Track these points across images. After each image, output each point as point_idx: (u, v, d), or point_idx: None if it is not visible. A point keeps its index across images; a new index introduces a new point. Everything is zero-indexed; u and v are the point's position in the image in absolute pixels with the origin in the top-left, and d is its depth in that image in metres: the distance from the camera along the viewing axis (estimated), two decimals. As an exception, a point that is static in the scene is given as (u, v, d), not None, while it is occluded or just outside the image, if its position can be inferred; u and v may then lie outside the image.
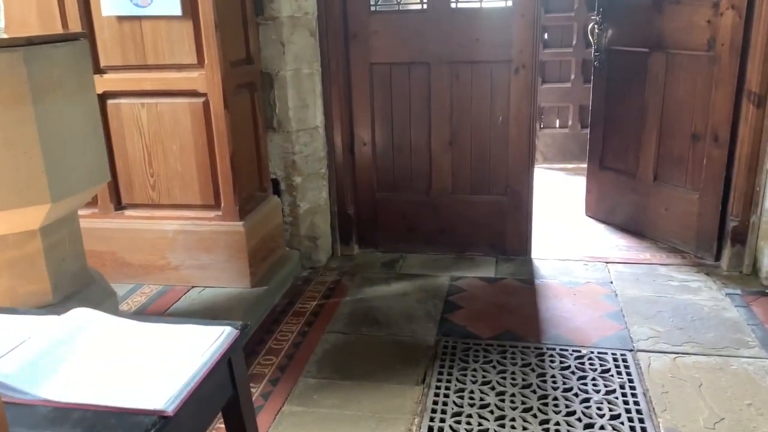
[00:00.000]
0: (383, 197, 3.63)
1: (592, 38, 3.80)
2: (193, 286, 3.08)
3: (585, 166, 5.00)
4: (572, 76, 5.13)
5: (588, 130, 5.00)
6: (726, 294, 3.00)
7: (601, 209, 4.01)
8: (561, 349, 2.57)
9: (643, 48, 3.52)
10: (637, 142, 3.66)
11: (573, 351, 2.56)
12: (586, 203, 4.12)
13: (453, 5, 3.28)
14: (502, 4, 3.25)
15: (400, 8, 3.37)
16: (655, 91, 3.50)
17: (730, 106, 3.15)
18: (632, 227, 3.79)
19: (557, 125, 5.35)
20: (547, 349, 2.58)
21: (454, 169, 3.51)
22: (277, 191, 3.40)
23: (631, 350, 2.55)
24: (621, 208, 3.85)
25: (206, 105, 2.88)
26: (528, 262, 3.47)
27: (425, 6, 3.32)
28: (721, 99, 3.18)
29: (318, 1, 3.24)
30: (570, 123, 5.25)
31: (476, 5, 3.28)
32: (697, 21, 3.22)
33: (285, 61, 3.18)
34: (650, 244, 3.64)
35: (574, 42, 5.06)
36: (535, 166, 3.48)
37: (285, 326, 2.84)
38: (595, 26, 3.75)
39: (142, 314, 2.83)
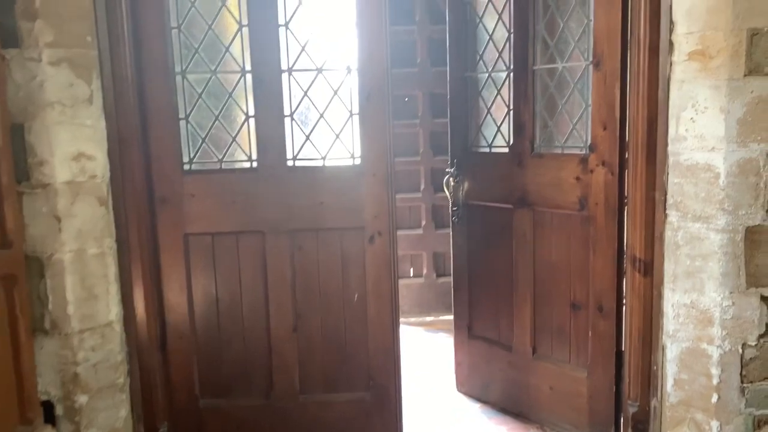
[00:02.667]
0: (209, 405, 2.76)
1: (448, 191, 3.36)
2: None
3: (445, 318, 4.57)
4: (423, 222, 4.72)
5: (445, 279, 4.66)
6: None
7: (474, 385, 3.42)
8: None
9: (506, 204, 3.12)
10: (510, 308, 3.18)
11: None
12: (456, 377, 3.52)
13: (290, 163, 2.67)
14: (348, 162, 2.69)
15: (223, 167, 2.68)
16: (525, 252, 3.08)
17: (612, 273, 2.77)
18: (513, 408, 3.22)
19: (411, 274, 4.85)
20: None
21: (301, 362, 2.76)
22: (50, 419, 2.39)
23: None
24: (498, 385, 3.29)
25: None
26: (401, 477, 2.73)
27: (255, 164, 2.67)
28: (600, 264, 2.80)
29: (111, 159, 2.45)
30: (425, 272, 4.78)
31: (318, 163, 2.70)
32: (565, 177, 2.87)
33: (62, 241, 2.31)
34: (536, 429, 3.08)
35: (422, 187, 4.69)
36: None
37: None
38: (450, 179, 3.33)
39: None
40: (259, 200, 2.65)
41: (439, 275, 4.76)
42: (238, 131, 2.67)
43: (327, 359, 2.76)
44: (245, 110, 2.65)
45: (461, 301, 3.42)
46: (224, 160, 2.69)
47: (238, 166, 2.70)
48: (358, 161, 2.67)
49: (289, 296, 2.71)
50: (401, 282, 4.72)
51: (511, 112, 3.05)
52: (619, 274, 2.77)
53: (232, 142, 2.67)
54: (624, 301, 2.76)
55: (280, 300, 2.71)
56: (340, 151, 2.68)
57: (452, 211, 3.35)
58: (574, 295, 2.93)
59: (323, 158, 2.68)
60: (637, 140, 2.53)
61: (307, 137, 2.66)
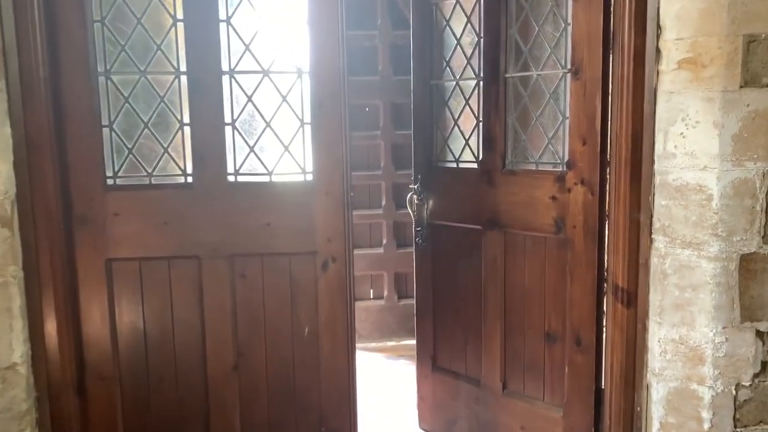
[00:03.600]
0: (135, 456, 2.38)
1: (411, 209, 3.07)
2: None
3: (407, 343, 4.28)
4: (384, 241, 4.41)
5: (408, 301, 4.38)
6: None
7: (438, 421, 3.12)
8: None
9: (475, 225, 2.84)
10: (478, 339, 2.89)
11: None
12: (419, 412, 3.21)
13: (231, 178, 2.33)
14: (299, 178, 2.37)
15: (153, 182, 2.33)
16: (495, 277, 2.80)
17: (591, 302, 2.51)
18: (482, 448, 2.92)
19: (371, 296, 4.53)
20: None
21: (243, 404, 2.42)
22: (-63, 483, 2.01)
23: None
24: (464, 423, 2.99)
25: None
26: None
27: (190, 179, 2.33)
28: (578, 293, 2.53)
29: (18, 172, 2.09)
30: (386, 293, 4.47)
31: (264, 179, 2.37)
32: (539, 196, 2.61)
33: (-48, 270, 1.94)
34: (507, 473, 2.78)
35: (383, 203, 4.39)
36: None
37: None
38: (414, 196, 3.04)
39: None
40: (194, 221, 2.31)
41: (401, 297, 4.47)
42: (171, 141, 2.33)
43: (273, 401, 2.42)
44: (179, 117, 2.31)
45: (425, 330, 3.12)
46: (154, 174, 2.34)
47: (170, 181, 2.35)
48: (309, 177, 2.35)
49: (230, 330, 2.37)
50: (360, 304, 4.41)
51: (481, 125, 2.78)
52: (599, 303, 2.51)
53: (163, 154, 2.33)
54: (604, 333, 2.50)
55: (218, 335, 2.36)
56: (289, 166, 2.36)
57: (416, 231, 3.06)
58: (550, 326, 2.66)
59: (270, 173, 2.36)
60: (620, 157, 2.29)
61: (251, 149, 2.33)
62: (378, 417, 3.33)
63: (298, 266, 2.36)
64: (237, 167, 2.34)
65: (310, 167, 2.34)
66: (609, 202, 2.40)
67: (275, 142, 2.34)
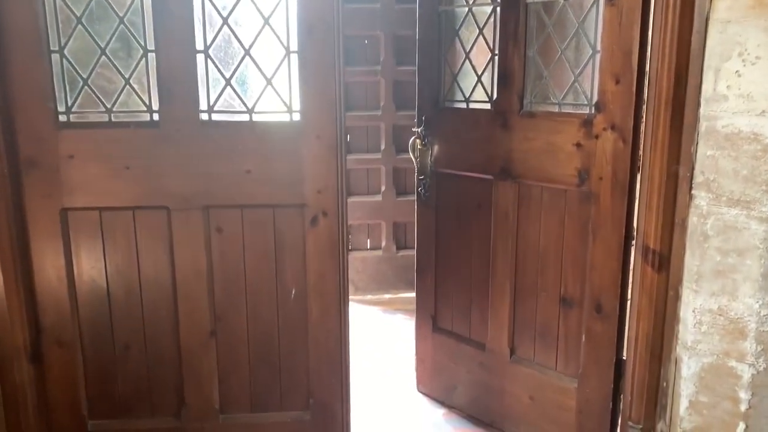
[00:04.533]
0: (101, 429, 2.13)
1: (414, 156, 2.74)
2: None
3: (405, 296, 4.03)
4: (383, 188, 4.08)
5: (406, 252, 4.10)
6: None
7: (438, 386, 2.88)
8: None
9: (485, 174, 2.52)
10: (484, 299, 2.62)
11: None
12: (417, 375, 2.97)
13: (204, 116, 1.99)
14: (285, 118, 2.03)
15: (113, 119, 1.99)
16: (505, 233, 2.50)
17: (616, 265, 2.21)
18: (484, 417, 2.69)
19: (368, 246, 4.24)
20: None
21: (222, 374, 2.15)
22: None
23: None
24: (466, 389, 2.75)
25: None
26: None
27: (156, 117, 1.98)
28: (602, 254, 2.24)
29: (-52, 106, 1.75)
30: (383, 243, 4.18)
31: (243, 117, 2.02)
32: (560, 143, 2.28)
33: None
34: (513, 445, 2.56)
35: (382, 146, 4.04)
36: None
37: None
38: (417, 140, 2.70)
39: None
40: (162, 165, 1.98)
41: (399, 248, 4.18)
42: (133, 71, 1.97)
43: (255, 371, 2.15)
44: (142, 42, 1.95)
45: (426, 287, 2.84)
46: (114, 110, 1.99)
47: (133, 118, 2.01)
48: (297, 117, 2.01)
49: (205, 292, 2.07)
50: (356, 255, 4.14)
51: (496, 58, 2.42)
52: (625, 267, 2.22)
53: (125, 86, 1.98)
54: (629, 300, 2.22)
55: (192, 297, 2.07)
56: (273, 103, 2.02)
57: (418, 180, 2.74)
58: (566, 289, 2.37)
59: (250, 111, 2.01)
60: (659, 99, 1.95)
61: (228, 82, 1.98)
62: (373, 378, 3.09)
63: (284, 220, 2.05)
64: (211, 103, 1.99)
65: (297, 105, 2.00)
66: (643, 151, 2.07)
67: (256, 74, 1.98)
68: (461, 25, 2.55)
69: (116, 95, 1.97)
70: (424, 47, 2.66)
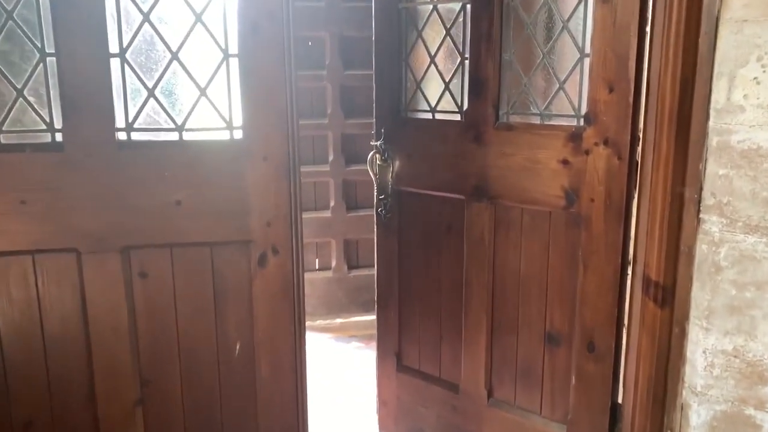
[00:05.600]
0: None
1: (373, 172, 2.41)
2: None
3: (359, 320, 3.71)
4: (332, 203, 3.73)
5: (359, 272, 3.77)
6: None
7: (404, 431, 2.55)
8: None
9: (456, 194, 2.22)
10: (456, 335, 2.31)
11: None
12: (379, 418, 2.64)
13: (121, 136, 1.60)
14: (223, 136, 1.65)
15: (3, 140, 1.57)
16: (480, 260, 2.20)
17: (611, 298, 1.95)
18: (460, 467, 2.38)
19: (317, 266, 3.88)
20: None
21: (151, 449, 1.75)
22: None
23: None
24: (438, 435, 2.43)
25: None
26: None
27: (60, 137, 1.57)
28: (594, 285, 1.97)
29: None
30: (334, 263, 3.83)
31: (171, 136, 1.64)
32: (543, 160, 1.99)
33: None
34: (493, 500, 2.26)
35: (330, 158, 3.69)
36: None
37: None
38: (376, 155, 2.37)
39: None
40: (69, 198, 1.58)
41: (351, 267, 3.84)
42: (28, 80, 1.56)
43: (193, 443, 1.77)
44: (39, 44, 1.54)
45: (388, 321, 2.51)
46: (5, 130, 1.58)
47: (29, 140, 1.59)
48: (238, 134, 1.65)
49: (127, 352, 1.68)
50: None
51: (467, 63, 2.12)
52: (621, 300, 1.95)
53: (17, 99, 1.57)
54: (626, 338, 1.96)
55: (112, 358, 1.67)
56: (208, 118, 1.65)
57: (378, 200, 2.41)
58: (552, 324, 2.09)
59: (180, 128, 1.63)
60: (662, 110, 1.69)
61: (151, 92, 1.60)
62: (327, 421, 2.74)
63: (225, 261, 1.67)
64: (130, 120, 1.61)
65: (238, 120, 1.64)
66: (642, 169, 1.82)
67: (187, 83, 1.61)
68: (425, 25, 2.23)
69: (6, 110, 1.55)
70: (382, 49, 2.33)
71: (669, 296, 1.81)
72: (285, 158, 1.64)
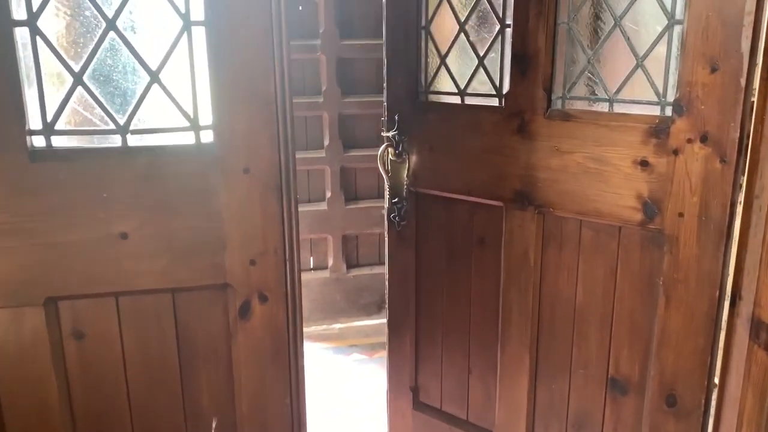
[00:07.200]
0: None
1: (384, 170, 1.93)
2: None
3: (359, 325, 3.28)
4: (328, 194, 3.25)
5: (359, 272, 3.32)
6: None
7: (423, 479, 2.12)
8: None
9: (492, 200, 1.75)
10: (490, 371, 1.87)
11: None
12: (392, 462, 2.20)
13: (37, 141, 1.10)
14: (186, 139, 1.16)
15: None
16: (523, 283, 1.75)
17: (703, 341, 1.50)
18: None
19: (311, 266, 3.41)
20: None
21: None
22: None
23: None
24: (465, 488, 2.00)
25: None
26: None
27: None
28: (680, 323, 1.52)
29: None
30: (330, 262, 3.36)
31: (111, 140, 1.14)
32: (613, 160, 1.53)
33: None
34: None
35: (326, 142, 3.19)
36: None
37: None
38: (388, 149, 1.89)
39: None
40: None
41: (350, 266, 3.37)
42: None
43: None
44: None
45: (402, 349, 2.07)
46: None
47: None
48: (208, 137, 1.15)
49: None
50: (297, 278, 3.29)
51: (508, 31, 1.63)
52: (714, 344, 1.50)
53: None
54: (719, 391, 1.52)
55: (38, 447, 1.20)
56: (165, 114, 1.15)
57: (391, 204, 1.93)
58: (617, 368, 1.65)
59: (122, 130, 1.14)
60: (793, 97, 1.21)
61: (78, 79, 1.10)
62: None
63: (194, 312, 1.20)
64: (49, 118, 1.11)
65: (207, 117, 1.14)
66: (753, 177, 1.35)
67: (130, 63, 1.11)
68: (453, -18, 1.73)
69: None
70: (395, 14, 1.84)
71: (789, 343, 1.36)
72: (275, 170, 1.16)
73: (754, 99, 1.36)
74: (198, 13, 1.11)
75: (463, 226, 1.85)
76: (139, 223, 1.14)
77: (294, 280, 1.21)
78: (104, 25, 1.09)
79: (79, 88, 1.10)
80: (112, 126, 1.12)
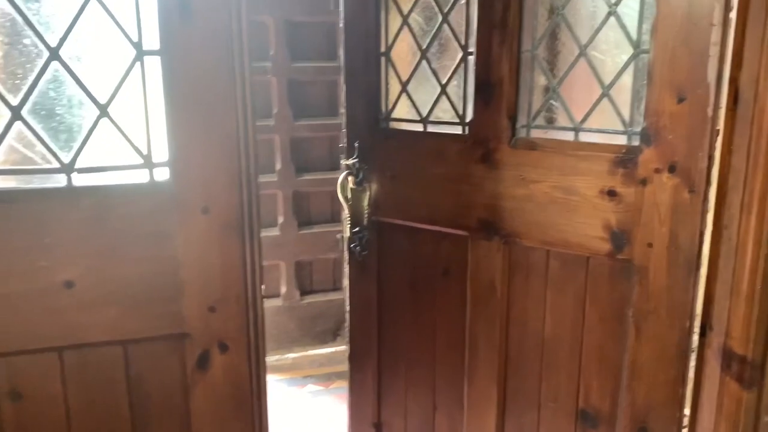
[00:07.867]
0: None
1: (344, 198, 1.86)
2: None
3: (314, 354, 3.20)
4: (280, 219, 3.15)
5: (313, 299, 3.22)
6: None
7: None
8: None
9: (456, 229, 1.70)
10: (456, 407, 1.82)
11: None
12: (354, 501, 2.10)
13: (-34, 184, 0.99)
14: (139, 177, 1.07)
15: None
16: (489, 315, 1.70)
17: (674, 373, 1.48)
18: None
19: (263, 293, 3.28)
20: None
21: None
22: None
23: None
24: None
25: None
26: None
27: None
28: (650, 355, 1.50)
29: None
30: (283, 290, 3.25)
31: (54, 179, 1.04)
32: (581, 189, 1.50)
33: None
34: None
35: (277, 166, 3.09)
36: None
37: None
38: (349, 177, 1.82)
39: None
40: None
41: (304, 293, 3.27)
42: None
43: None
44: None
45: (363, 384, 1.99)
46: None
47: None
48: (163, 174, 1.06)
49: None
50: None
51: (471, 59, 1.60)
52: (684, 373, 1.49)
53: None
54: (690, 424, 1.51)
55: None
56: (115, 150, 1.06)
57: (352, 234, 1.86)
58: (587, 400, 1.61)
59: (67, 169, 1.03)
60: (760, 127, 1.22)
61: (17, 114, 0.99)
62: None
63: (147, 365, 1.10)
64: (-18, 157, 1.00)
65: (162, 153, 1.05)
66: (721, 207, 1.34)
67: (76, 95, 1.01)
68: (414, 6, 1.69)
69: None
70: (354, 39, 1.78)
71: (758, 375, 1.36)
72: (237, 209, 1.08)
73: (719, 128, 1.37)
74: (152, 41, 1.02)
75: (427, 256, 1.79)
76: (86, 270, 1.03)
77: (258, 327, 1.13)
78: (47, 54, 0.99)
79: (18, 124, 0.99)
80: (55, 164, 1.02)
